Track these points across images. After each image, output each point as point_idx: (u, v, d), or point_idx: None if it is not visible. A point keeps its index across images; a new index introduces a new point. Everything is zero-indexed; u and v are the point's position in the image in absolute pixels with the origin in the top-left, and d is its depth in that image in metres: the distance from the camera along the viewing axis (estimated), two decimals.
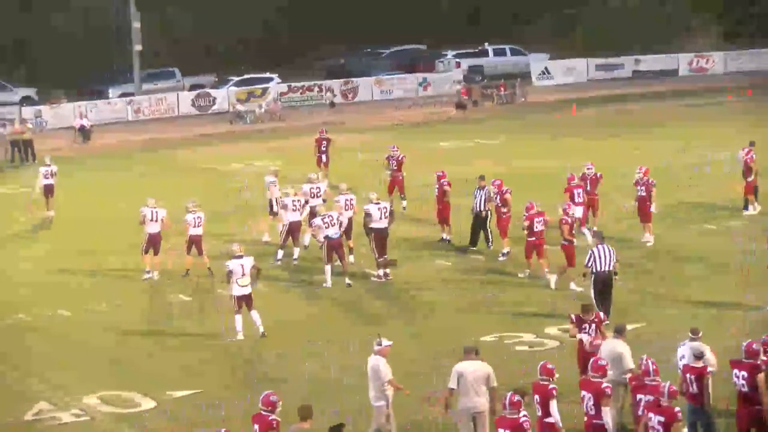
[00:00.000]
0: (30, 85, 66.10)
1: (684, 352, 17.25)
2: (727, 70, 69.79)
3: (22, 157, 48.09)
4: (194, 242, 28.30)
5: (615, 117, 54.89)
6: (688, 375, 16.60)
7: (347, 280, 26.73)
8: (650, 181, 29.43)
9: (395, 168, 34.16)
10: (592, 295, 22.79)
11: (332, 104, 61.04)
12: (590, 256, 22.85)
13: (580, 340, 18.76)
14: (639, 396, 16.02)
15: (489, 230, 29.63)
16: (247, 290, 23.26)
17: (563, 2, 76.49)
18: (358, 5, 74.55)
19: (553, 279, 26.13)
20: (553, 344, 22.24)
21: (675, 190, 34.09)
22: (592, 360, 16.45)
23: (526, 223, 26.56)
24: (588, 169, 30.87)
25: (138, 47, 62.48)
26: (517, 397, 15.15)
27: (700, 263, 27.70)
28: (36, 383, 21.50)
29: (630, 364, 17.31)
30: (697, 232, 30.61)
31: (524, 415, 15.08)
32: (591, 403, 15.82)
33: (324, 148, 39.68)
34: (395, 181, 34.41)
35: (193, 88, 66.17)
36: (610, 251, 22.88)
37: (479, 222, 29.68)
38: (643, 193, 29.27)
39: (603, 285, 22.81)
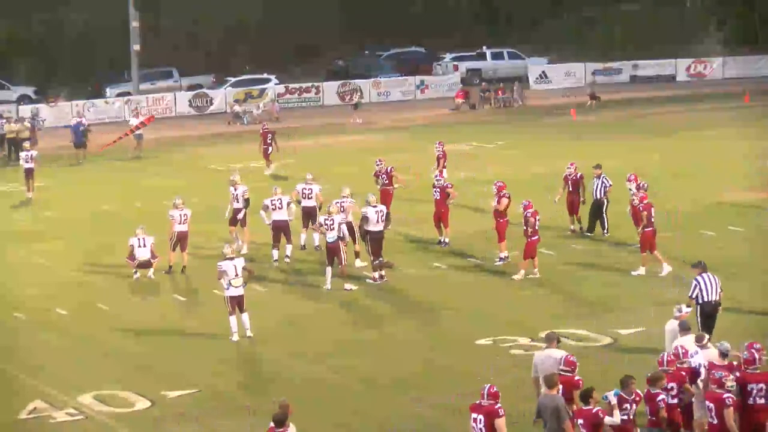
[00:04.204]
0: (28, 84, 66.14)
1: (699, 360, 17.30)
2: (725, 75, 69.80)
3: (18, 155, 48.05)
4: (180, 239, 28.56)
5: (615, 121, 54.93)
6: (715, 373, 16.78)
7: (346, 286, 26.72)
8: (641, 184, 29.40)
9: (386, 182, 32.94)
10: (699, 327, 21.65)
11: (356, 106, 59.86)
12: (695, 287, 21.13)
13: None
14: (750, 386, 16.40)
15: (606, 218, 30.33)
16: (240, 291, 23.25)
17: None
18: (359, 6, 74.69)
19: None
20: None
21: (668, 197, 34.02)
22: (711, 374, 16.57)
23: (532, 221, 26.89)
24: (569, 169, 30.98)
25: (136, 47, 62.45)
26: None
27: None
28: (32, 381, 21.47)
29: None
30: (695, 236, 30.59)
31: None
32: (714, 412, 16.00)
33: (269, 141, 42.80)
34: (386, 194, 32.79)
35: (190, 88, 66.18)
36: (715, 280, 21.25)
37: (596, 209, 30.30)
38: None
39: (708, 317, 21.10)
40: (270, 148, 42.76)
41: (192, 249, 29.33)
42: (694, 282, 21.17)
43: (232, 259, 23.43)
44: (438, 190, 30.54)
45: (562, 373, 16.74)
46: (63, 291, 27.71)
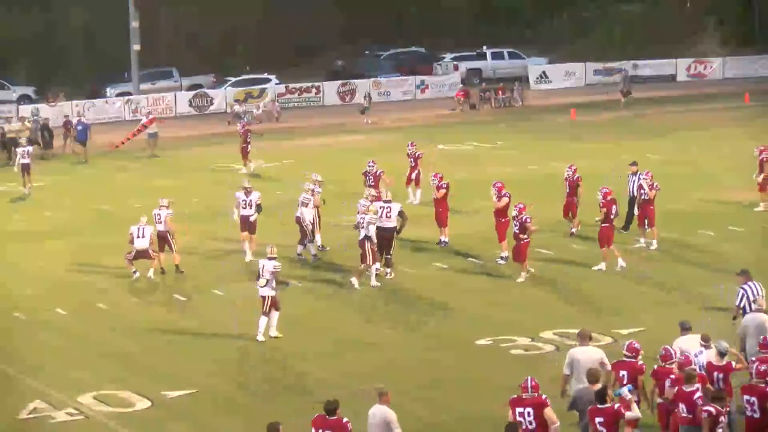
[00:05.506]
0: (28, 84, 66.12)
1: (703, 360, 17.30)
2: (725, 75, 69.80)
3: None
4: (160, 239, 28.55)
5: (615, 121, 54.90)
6: (715, 374, 16.95)
7: (352, 279, 26.88)
8: (654, 184, 29.38)
9: (372, 184, 32.91)
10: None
11: (363, 111, 59.38)
12: (742, 296, 20.43)
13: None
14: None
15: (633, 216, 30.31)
16: (263, 291, 23.24)
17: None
18: (358, 7, 74.67)
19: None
20: (549, 348, 22.23)
21: (668, 197, 33.98)
22: (755, 366, 16.45)
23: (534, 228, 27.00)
24: (568, 171, 30.94)
25: (136, 47, 62.40)
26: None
27: (701, 267, 27.71)
28: (32, 381, 21.48)
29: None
30: (695, 236, 30.56)
31: None
32: (756, 405, 15.97)
33: (249, 140, 43.48)
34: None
35: (190, 88, 66.16)
36: (759, 288, 20.49)
37: (632, 206, 30.31)
38: (647, 197, 29.22)
39: None
40: (249, 147, 43.36)
41: (191, 249, 29.31)
42: (741, 291, 20.60)
43: (272, 259, 23.42)
44: (435, 188, 30.59)
45: (626, 359, 17.04)
46: (63, 291, 27.71)
